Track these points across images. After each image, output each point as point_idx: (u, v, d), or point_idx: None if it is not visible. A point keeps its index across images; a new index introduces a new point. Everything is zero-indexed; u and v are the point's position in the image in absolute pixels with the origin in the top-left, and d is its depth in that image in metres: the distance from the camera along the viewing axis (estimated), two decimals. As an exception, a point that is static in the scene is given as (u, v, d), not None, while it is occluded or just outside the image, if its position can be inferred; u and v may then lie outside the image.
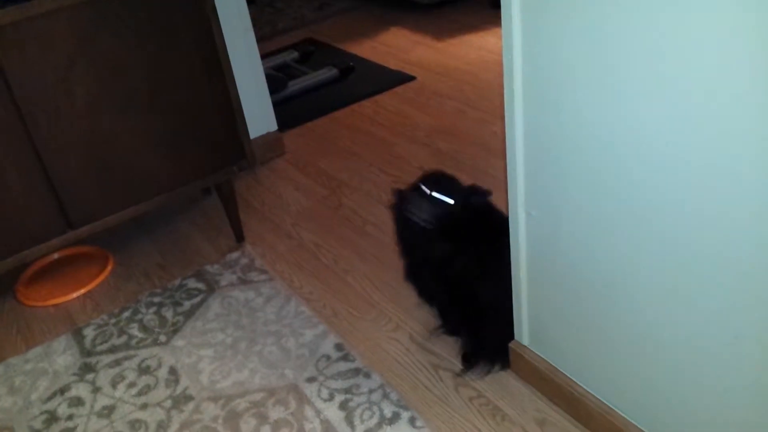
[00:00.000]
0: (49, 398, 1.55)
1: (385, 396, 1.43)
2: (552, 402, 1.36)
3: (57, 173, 1.59)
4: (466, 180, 1.51)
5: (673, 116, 0.88)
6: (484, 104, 2.57)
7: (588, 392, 1.28)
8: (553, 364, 1.34)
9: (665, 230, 0.97)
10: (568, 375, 1.31)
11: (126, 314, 1.77)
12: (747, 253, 0.87)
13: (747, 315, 0.91)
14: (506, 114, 1.13)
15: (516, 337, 1.41)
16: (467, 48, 3.10)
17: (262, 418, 1.42)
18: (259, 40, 2.40)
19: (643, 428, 1.19)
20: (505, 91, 1.11)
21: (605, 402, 1.25)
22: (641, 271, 1.04)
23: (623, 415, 1.22)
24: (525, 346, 1.39)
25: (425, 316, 1.63)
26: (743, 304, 0.91)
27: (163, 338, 1.67)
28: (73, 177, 1.62)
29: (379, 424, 1.37)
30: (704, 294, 0.95)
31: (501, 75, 1.10)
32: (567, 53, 0.98)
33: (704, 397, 1.04)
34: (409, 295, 1.70)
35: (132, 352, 1.64)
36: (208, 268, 1.90)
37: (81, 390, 1.56)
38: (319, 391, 1.46)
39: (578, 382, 1.29)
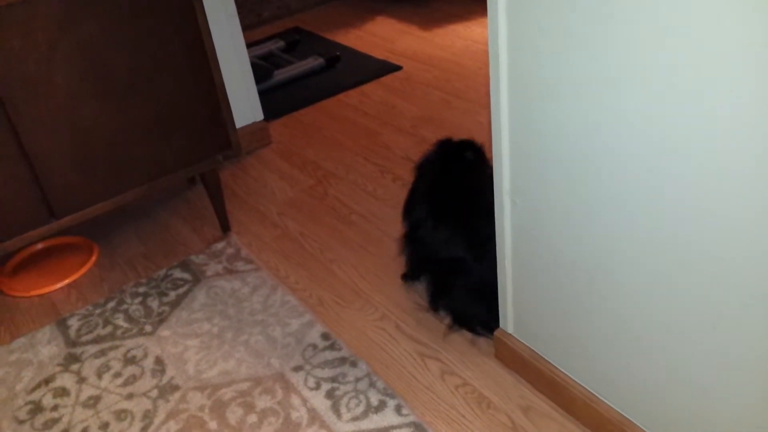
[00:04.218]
0: (34, 389, 1.54)
1: (372, 384, 1.44)
2: (536, 389, 1.38)
3: (39, 162, 1.57)
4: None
5: (659, 106, 0.89)
6: (469, 94, 2.57)
7: (571, 379, 1.29)
8: (537, 352, 1.36)
9: (647, 220, 0.98)
10: (552, 362, 1.33)
11: (111, 304, 1.76)
12: (726, 243, 0.89)
13: (726, 302, 0.92)
14: (492, 104, 1.14)
15: (501, 325, 1.42)
16: (453, 38, 3.09)
17: (249, 407, 1.43)
18: (245, 29, 2.39)
19: (624, 414, 1.21)
20: (491, 81, 1.11)
21: (588, 389, 1.27)
22: (623, 259, 1.05)
23: (605, 401, 1.24)
24: (510, 334, 1.41)
25: (411, 305, 1.64)
26: (722, 292, 0.92)
27: (148, 328, 1.67)
28: (55, 165, 1.60)
29: (366, 413, 1.38)
30: (685, 283, 0.97)
31: (487, 65, 1.11)
32: (552, 43, 0.98)
33: (684, 384, 1.06)
34: (395, 284, 1.71)
35: (117, 343, 1.64)
36: (194, 258, 1.89)
37: (66, 380, 1.55)
38: (306, 379, 1.47)
39: (561, 369, 1.31)
